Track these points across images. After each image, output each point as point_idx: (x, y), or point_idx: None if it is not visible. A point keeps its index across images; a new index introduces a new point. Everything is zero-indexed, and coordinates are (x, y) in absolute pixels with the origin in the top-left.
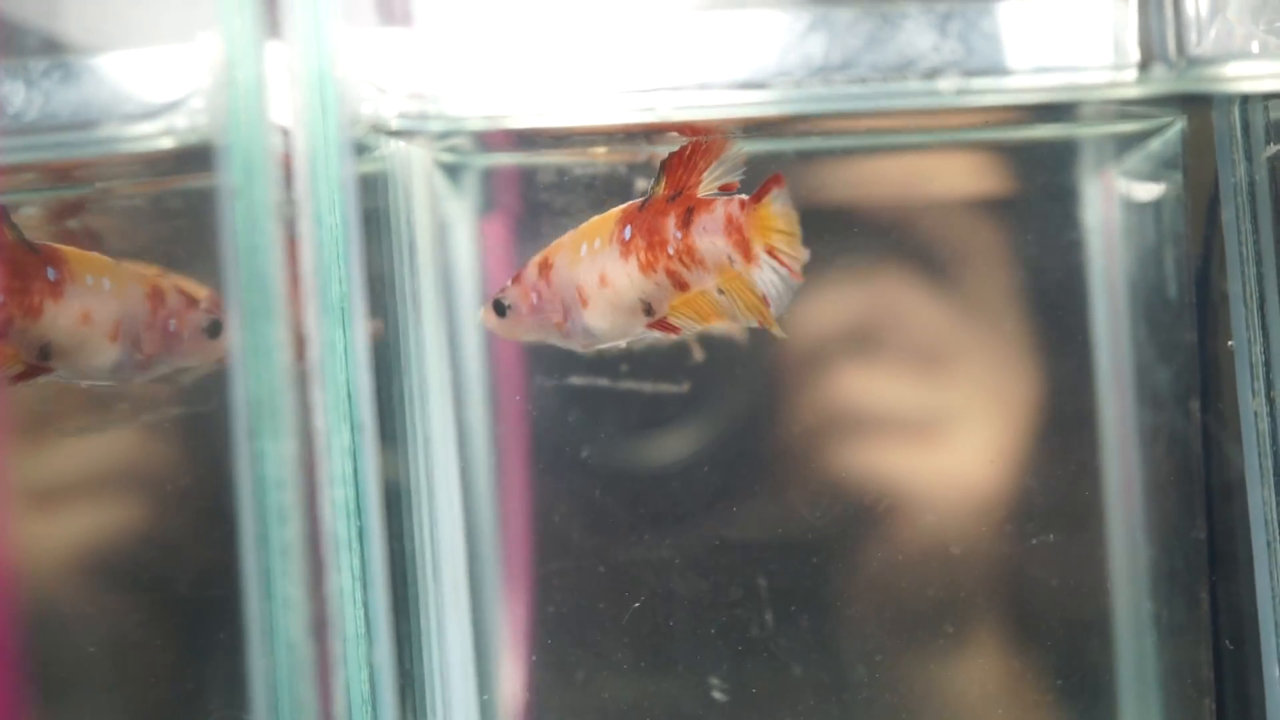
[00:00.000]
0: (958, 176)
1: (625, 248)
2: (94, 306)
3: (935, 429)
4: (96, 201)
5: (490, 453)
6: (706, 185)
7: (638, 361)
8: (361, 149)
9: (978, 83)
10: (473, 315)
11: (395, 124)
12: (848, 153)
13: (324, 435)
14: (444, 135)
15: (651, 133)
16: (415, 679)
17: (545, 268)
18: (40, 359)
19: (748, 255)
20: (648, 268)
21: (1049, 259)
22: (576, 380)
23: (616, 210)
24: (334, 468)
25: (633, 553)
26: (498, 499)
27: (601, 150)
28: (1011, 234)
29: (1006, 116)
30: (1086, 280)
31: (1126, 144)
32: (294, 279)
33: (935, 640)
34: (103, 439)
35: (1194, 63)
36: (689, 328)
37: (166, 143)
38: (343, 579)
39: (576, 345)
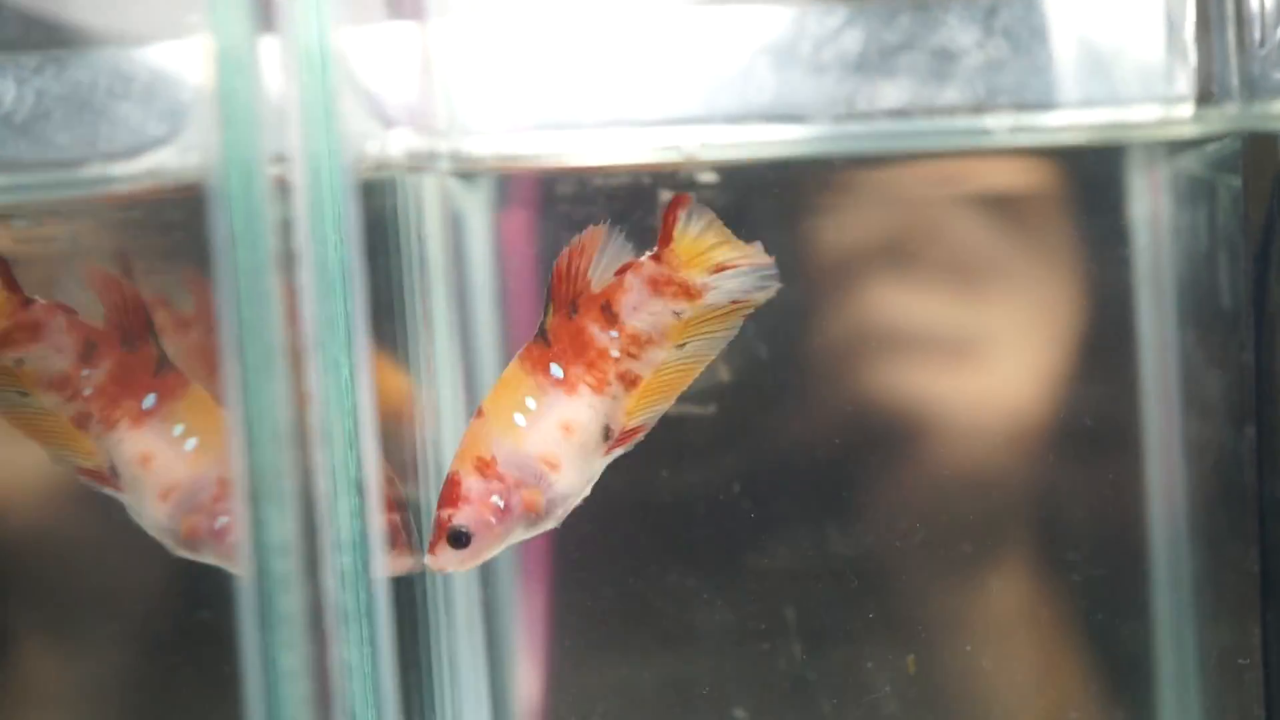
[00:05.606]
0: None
1: (567, 385)
2: (160, 456)
3: (972, 350)
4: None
5: None
6: (598, 279)
7: None
8: (367, 189)
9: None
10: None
11: (403, 162)
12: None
13: (327, 499)
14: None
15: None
16: None
17: (486, 466)
18: (111, 473)
19: (694, 294)
20: (600, 388)
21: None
22: None
23: (515, 364)
24: (339, 533)
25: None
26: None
27: None
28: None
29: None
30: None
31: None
32: (294, 331)
33: (964, 565)
34: None
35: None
36: (655, 416)
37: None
38: (349, 651)
39: (549, 525)
